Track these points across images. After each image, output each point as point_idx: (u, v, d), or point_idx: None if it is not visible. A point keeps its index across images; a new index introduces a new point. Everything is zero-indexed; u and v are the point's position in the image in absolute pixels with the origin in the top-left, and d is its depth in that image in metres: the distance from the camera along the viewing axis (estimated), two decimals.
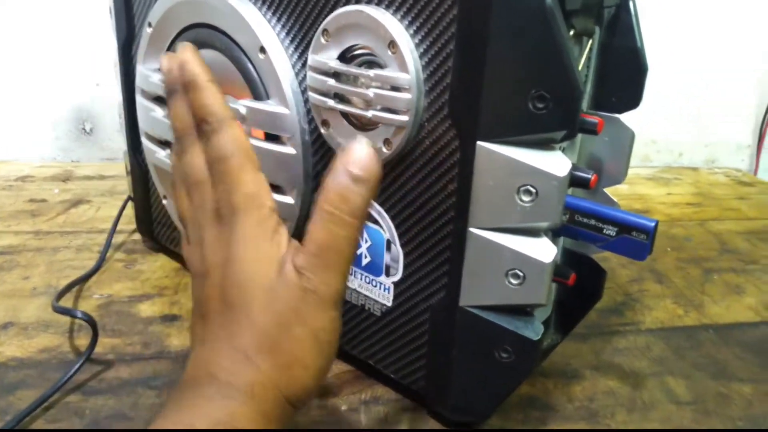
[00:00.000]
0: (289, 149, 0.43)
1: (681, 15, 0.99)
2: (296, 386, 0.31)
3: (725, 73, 1.04)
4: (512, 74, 0.32)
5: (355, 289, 0.45)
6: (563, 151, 0.41)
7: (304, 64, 0.41)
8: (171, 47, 0.51)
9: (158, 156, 0.54)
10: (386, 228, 0.41)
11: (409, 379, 0.44)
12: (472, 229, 0.36)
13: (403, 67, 0.35)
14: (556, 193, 0.33)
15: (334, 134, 0.40)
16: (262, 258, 0.32)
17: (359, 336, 0.46)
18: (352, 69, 0.38)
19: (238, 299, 0.32)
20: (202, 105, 0.33)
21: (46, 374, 0.46)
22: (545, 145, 0.34)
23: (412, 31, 0.35)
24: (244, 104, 0.44)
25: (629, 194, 0.92)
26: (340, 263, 0.31)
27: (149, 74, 0.52)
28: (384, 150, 0.38)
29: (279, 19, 0.42)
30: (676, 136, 1.08)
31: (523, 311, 0.37)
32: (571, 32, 0.36)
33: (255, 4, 0.43)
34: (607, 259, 0.45)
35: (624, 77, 0.42)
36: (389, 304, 0.43)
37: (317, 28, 0.39)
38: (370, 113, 0.37)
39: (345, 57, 0.38)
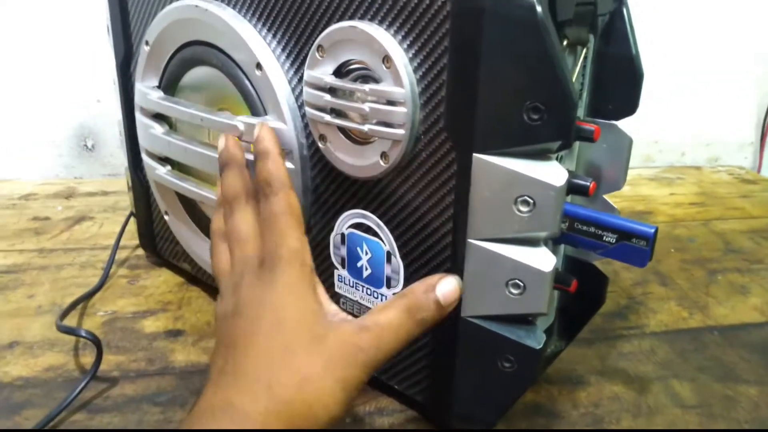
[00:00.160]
0: (287, 164, 0.43)
1: (678, 16, 0.99)
2: (309, 422, 0.32)
3: (726, 70, 1.04)
4: (506, 86, 0.32)
5: (357, 302, 0.45)
6: (561, 159, 0.42)
7: (300, 80, 0.41)
8: (168, 65, 0.51)
9: (158, 172, 0.55)
10: (386, 240, 0.41)
11: (413, 390, 0.44)
12: (471, 240, 0.36)
13: (398, 81, 0.36)
14: (553, 202, 0.33)
15: (332, 149, 0.41)
16: (303, 306, 0.34)
17: None
18: (348, 84, 0.38)
19: (276, 338, 0.33)
20: (270, 171, 0.38)
21: (52, 393, 0.46)
22: (542, 155, 0.34)
23: (405, 46, 0.36)
24: (242, 120, 0.44)
25: (632, 195, 0.92)
26: (393, 347, 0.34)
27: (148, 92, 0.52)
28: (381, 163, 0.38)
29: (275, 36, 0.42)
30: (678, 136, 1.08)
31: (524, 320, 0.37)
32: (565, 42, 0.36)
33: (251, 21, 0.43)
34: (610, 262, 0.45)
35: (620, 84, 0.42)
36: None
37: (312, 44, 0.39)
38: (366, 127, 0.37)
39: (340, 72, 0.39)
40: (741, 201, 0.91)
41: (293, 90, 0.42)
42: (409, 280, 0.41)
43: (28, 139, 0.92)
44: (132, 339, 0.53)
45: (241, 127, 0.44)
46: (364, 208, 0.42)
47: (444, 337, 0.40)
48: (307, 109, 0.41)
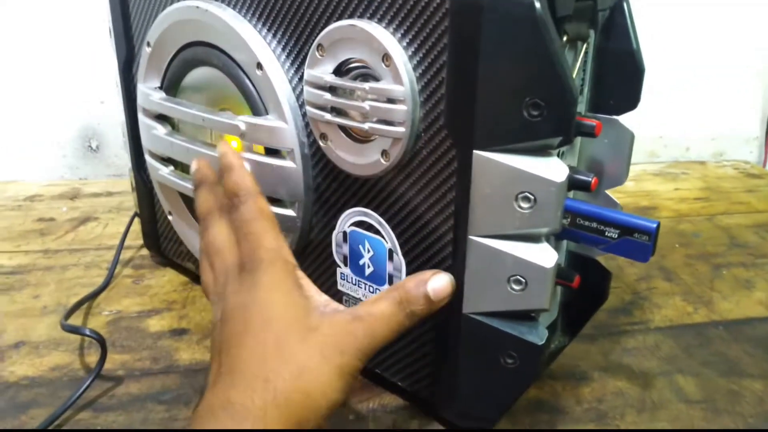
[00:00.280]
0: (289, 163, 0.43)
1: (678, 10, 0.98)
2: (309, 411, 0.32)
3: (726, 65, 1.04)
4: (506, 83, 0.32)
5: (359, 299, 0.45)
6: (562, 155, 0.42)
7: (300, 79, 0.41)
8: (169, 66, 0.51)
9: (161, 173, 0.55)
10: (388, 238, 0.41)
11: (416, 387, 0.44)
12: (472, 237, 0.36)
13: (397, 79, 0.36)
14: (554, 198, 0.33)
15: (333, 147, 0.41)
16: (290, 302, 0.35)
17: None
18: (348, 82, 0.38)
19: (267, 334, 0.33)
20: (235, 182, 0.39)
21: (58, 392, 0.47)
22: (542, 151, 0.34)
23: (405, 44, 0.36)
24: (243, 120, 0.44)
25: (636, 191, 0.91)
26: (386, 337, 0.35)
27: (150, 93, 0.52)
28: (382, 161, 0.38)
29: (275, 36, 0.42)
30: (683, 131, 1.07)
31: (527, 316, 0.37)
32: (564, 38, 0.36)
33: (251, 21, 0.44)
34: (614, 257, 0.45)
35: (621, 79, 0.42)
36: None
37: (312, 43, 0.39)
38: (366, 126, 0.38)
39: (340, 71, 0.39)
40: (746, 195, 0.91)
41: (294, 89, 0.42)
42: None
43: (33, 141, 0.92)
44: (137, 338, 0.54)
45: (243, 126, 0.44)
46: (366, 206, 0.42)
47: (446, 333, 0.40)
48: (308, 108, 0.41)
